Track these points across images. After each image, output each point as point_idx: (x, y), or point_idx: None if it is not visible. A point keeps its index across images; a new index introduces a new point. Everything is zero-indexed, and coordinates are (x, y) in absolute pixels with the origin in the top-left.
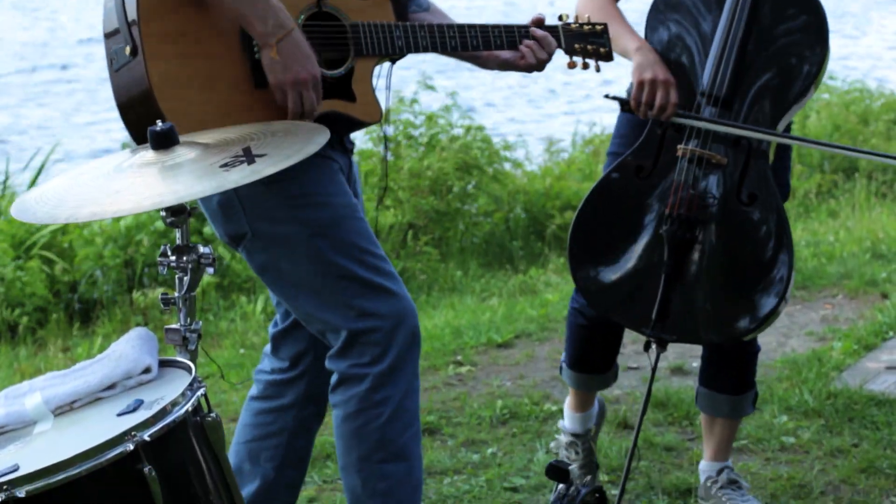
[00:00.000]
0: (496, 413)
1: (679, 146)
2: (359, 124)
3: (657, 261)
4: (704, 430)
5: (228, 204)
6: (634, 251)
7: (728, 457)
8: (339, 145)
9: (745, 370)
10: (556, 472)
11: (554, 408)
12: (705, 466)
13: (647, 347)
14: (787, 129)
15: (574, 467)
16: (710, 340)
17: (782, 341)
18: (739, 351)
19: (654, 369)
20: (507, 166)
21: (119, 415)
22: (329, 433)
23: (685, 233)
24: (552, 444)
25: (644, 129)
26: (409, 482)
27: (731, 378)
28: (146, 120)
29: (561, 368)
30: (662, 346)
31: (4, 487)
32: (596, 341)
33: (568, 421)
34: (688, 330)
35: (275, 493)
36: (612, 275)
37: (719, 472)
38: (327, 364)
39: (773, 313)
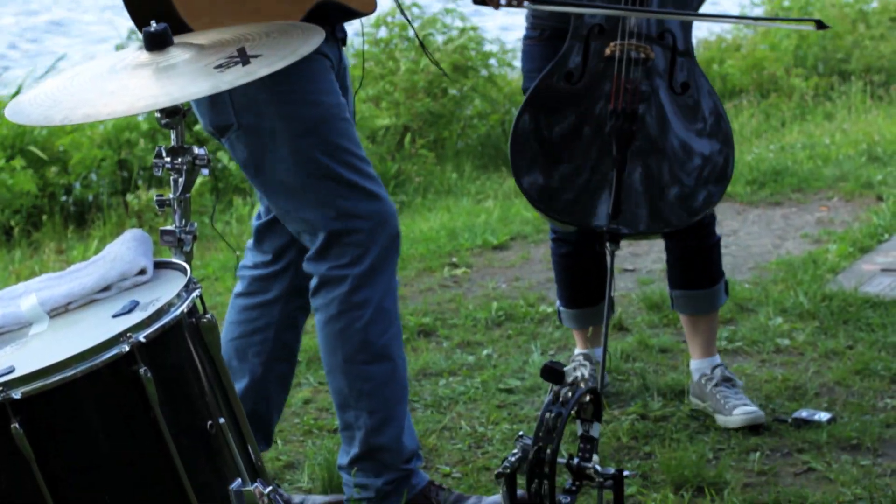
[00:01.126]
0: (491, 315)
1: (611, 43)
2: (353, 14)
3: (601, 158)
4: (688, 332)
5: (216, 95)
6: (577, 152)
7: (715, 351)
8: (331, 36)
9: (711, 261)
10: (552, 373)
11: (549, 309)
12: (697, 365)
13: (602, 246)
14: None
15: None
16: (661, 229)
17: (777, 244)
18: (699, 245)
19: (610, 269)
20: (507, 71)
21: (114, 316)
22: None
23: (630, 126)
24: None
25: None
26: (394, 382)
27: (699, 273)
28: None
29: (559, 315)
30: (616, 243)
31: (0, 389)
32: (585, 268)
33: (580, 350)
34: (639, 221)
35: (265, 389)
36: (557, 178)
37: (713, 368)
38: (305, 268)
39: (717, 195)
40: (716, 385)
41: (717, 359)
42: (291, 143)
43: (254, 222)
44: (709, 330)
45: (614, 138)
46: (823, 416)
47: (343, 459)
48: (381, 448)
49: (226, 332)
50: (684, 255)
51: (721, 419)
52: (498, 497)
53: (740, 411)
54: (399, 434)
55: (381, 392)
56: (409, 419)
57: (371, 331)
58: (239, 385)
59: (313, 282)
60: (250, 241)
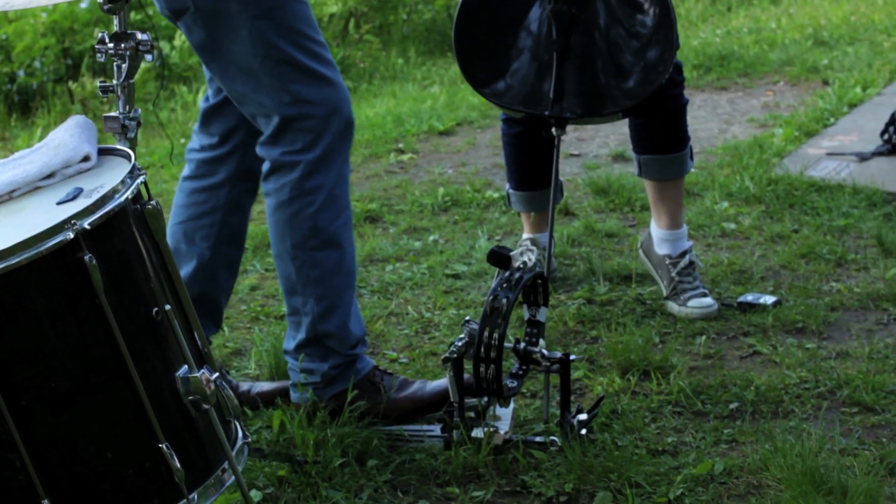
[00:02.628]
0: (438, 200)
1: None
2: None
3: (544, 43)
4: (654, 200)
5: None
6: (520, 38)
7: (682, 223)
8: None
9: (678, 124)
10: (498, 257)
11: (496, 195)
12: (662, 235)
13: (543, 132)
14: None
15: (516, 253)
16: (606, 113)
17: (724, 128)
18: (666, 108)
19: (556, 155)
20: None
21: (59, 203)
22: None
23: (570, 7)
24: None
25: None
26: (342, 268)
27: (668, 136)
28: None
29: (508, 198)
30: (562, 127)
31: None
32: (536, 149)
33: (528, 234)
34: (584, 105)
35: (212, 273)
36: (501, 66)
37: (683, 254)
38: (258, 151)
39: (663, 73)
40: (679, 272)
41: (686, 241)
42: (248, 26)
43: (201, 105)
44: (676, 197)
45: (554, 21)
46: (769, 299)
47: (289, 344)
48: (327, 334)
49: (174, 215)
50: (651, 118)
51: (673, 307)
52: (443, 382)
53: (695, 303)
54: (346, 321)
55: (329, 279)
56: (355, 306)
57: (321, 217)
58: (187, 268)
59: (265, 166)
60: (197, 124)
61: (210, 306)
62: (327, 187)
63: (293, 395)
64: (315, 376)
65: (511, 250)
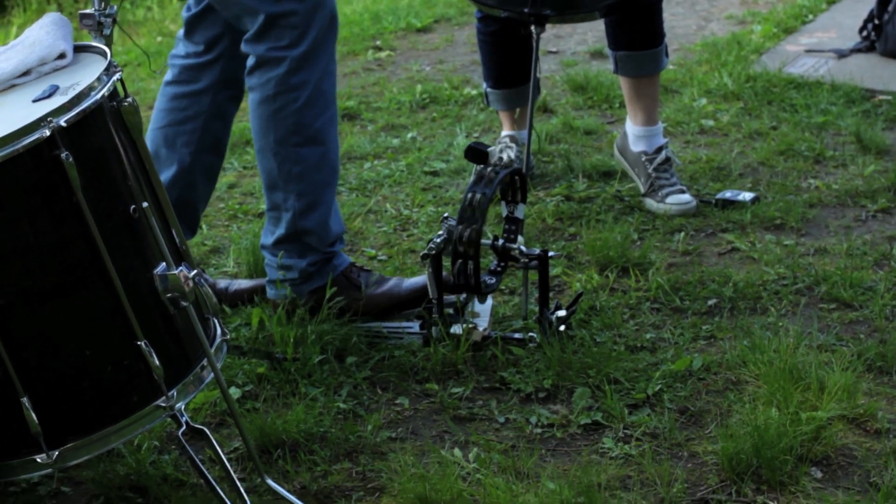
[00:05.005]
0: (416, 98)
1: None
2: None
3: None
4: (630, 96)
5: None
6: None
7: (658, 120)
8: None
9: (654, 21)
10: (476, 153)
11: (474, 92)
12: (638, 132)
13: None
14: None
15: (495, 150)
16: (585, 10)
17: (702, 25)
18: (640, 4)
19: (535, 53)
20: None
21: (34, 101)
22: (249, 119)
23: None
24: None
25: None
26: (325, 166)
27: (643, 32)
28: None
29: (486, 97)
30: (541, 25)
31: None
32: (512, 46)
33: (506, 132)
34: (563, 2)
35: (192, 179)
36: None
37: (658, 149)
38: (243, 47)
39: None
40: (656, 168)
41: (662, 137)
42: None
43: (184, 14)
44: (652, 94)
45: None
46: (747, 196)
47: (267, 239)
48: (306, 231)
49: (155, 119)
50: (626, 14)
51: (651, 204)
52: (420, 279)
53: (673, 200)
54: (326, 218)
55: (311, 175)
56: (336, 204)
57: (306, 114)
58: (166, 174)
59: (250, 61)
60: (181, 32)
61: (187, 212)
62: (312, 83)
63: (269, 292)
64: (292, 273)
65: (489, 146)
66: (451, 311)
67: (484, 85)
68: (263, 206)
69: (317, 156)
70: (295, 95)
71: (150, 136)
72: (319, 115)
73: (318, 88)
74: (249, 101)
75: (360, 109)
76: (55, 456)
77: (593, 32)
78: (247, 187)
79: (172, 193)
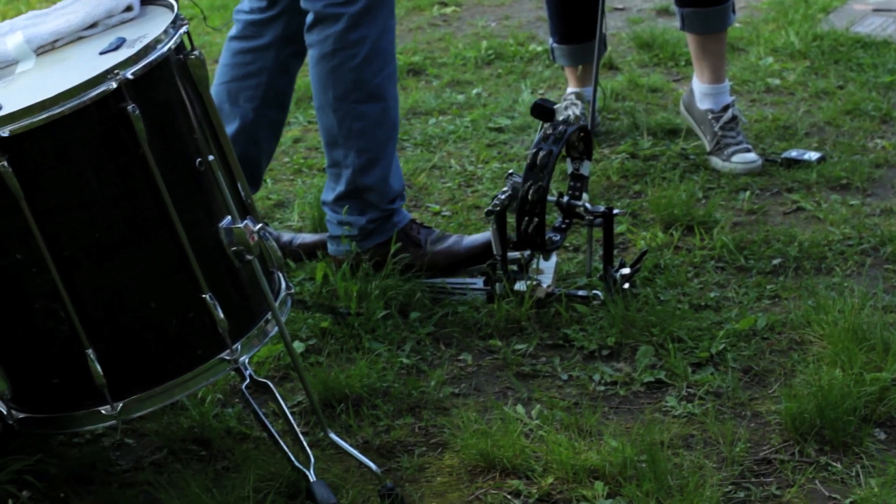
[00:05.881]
0: (481, 54)
1: None
2: None
3: None
4: (696, 54)
5: None
6: None
7: (725, 78)
8: None
9: None
10: (542, 110)
11: (539, 48)
12: (705, 89)
13: None
14: None
15: (560, 107)
16: None
17: None
18: None
19: (601, 8)
20: None
21: (101, 53)
22: None
23: None
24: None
25: None
26: (385, 122)
27: None
28: None
29: (552, 52)
30: None
31: None
32: (578, 2)
33: (572, 88)
34: None
35: (255, 134)
36: None
37: (725, 108)
38: (302, 3)
39: None
40: (722, 126)
41: (728, 96)
42: None
43: None
44: (719, 52)
45: None
46: (813, 155)
47: (328, 196)
48: (367, 188)
49: (219, 74)
50: None
51: (717, 163)
52: (479, 236)
53: (739, 159)
54: (386, 175)
55: (371, 132)
56: (396, 160)
57: (365, 70)
58: (229, 129)
59: (308, 18)
60: None
61: (250, 167)
62: (371, 39)
63: (330, 248)
64: (353, 229)
65: (555, 103)
66: (515, 267)
67: (550, 41)
68: (325, 162)
69: (377, 112)
70: (353, 52)
71: (214, 91)
72: (379, 71)
73: (376, 45)
74: (309, 58)
75: (426, 65)
76: (119, 408)
77: None
78: (312, 142)
79: (235, 149)
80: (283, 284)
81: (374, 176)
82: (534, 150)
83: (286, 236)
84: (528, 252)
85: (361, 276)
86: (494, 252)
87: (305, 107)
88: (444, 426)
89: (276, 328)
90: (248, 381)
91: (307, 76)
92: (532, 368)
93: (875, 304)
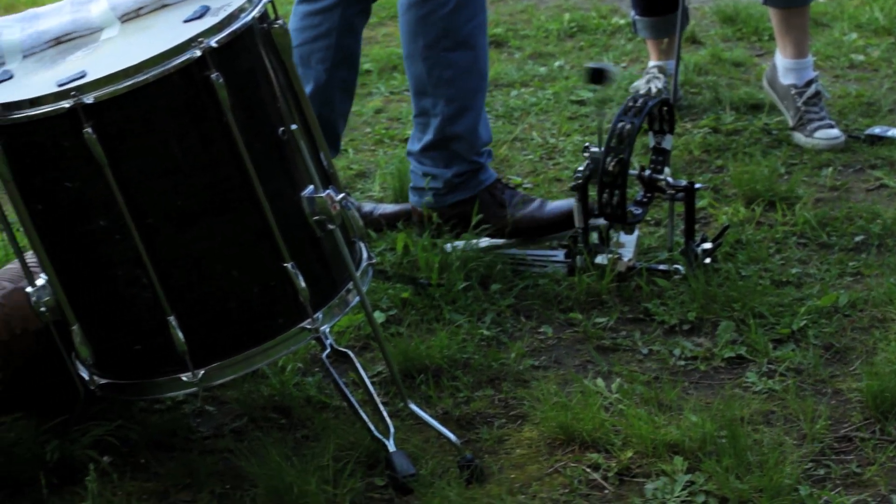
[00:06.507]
0: (563, 26)
1: None
2: None
3: None
4: (779, 29)
5: None
6: None
7: (808, 52)
8: None
9: None
10: (594, 74)
11: (622, 21)
12: (788, 64)
13: None
14: None
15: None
16: None
17: None
18: None
19: None
20: None
21: (185, 21)
22: (396, 44)
23: None
24: (638, 83)
25: None
26: (475, 71)
27: None
28: None
29: (634, 25)
30: None
31: (72, 93)
32: None
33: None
34: None
35: (329, 95)
36: None
37: (809, 83)
38: None
39: None
40: (805, 102)
41: (812, 71)
42: None
43: None
44: (802, 26)
45: None
46: None
47: (414, 146)
48: (455, 136)
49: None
50: None
51: (800, 138)
52: (562, 202)
53: (822, 135)
54: (475, 124)
55: (460, 80)
56: (484, 112)
57: (455, 18)
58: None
59: None
60: None
61: (327, 129)
62: None
63: (412, 198)
64: (437, 182)
65: (610, 66)
66: (596, 240)
67: (632, 13)
68: (409, 132)
69: (467, 61)
70: (444, 0)
71: None
72: (469, 20)
73: None
74: (399, 7)
75: (508, 37)
76: (200, 375)
77: None
78: (393, 112)
79: None
80: (365, 254)
81: (463, 124)
82: (616, 123)
83: (367, 206)
84: (609, 225)
85: (442, 245)
86: (576, 225)
87: (387, 77)
88: (523, 398)
89: (358, 298)
90: (328, 350)
91: (390, 46)
92: (612, 342)
93: None
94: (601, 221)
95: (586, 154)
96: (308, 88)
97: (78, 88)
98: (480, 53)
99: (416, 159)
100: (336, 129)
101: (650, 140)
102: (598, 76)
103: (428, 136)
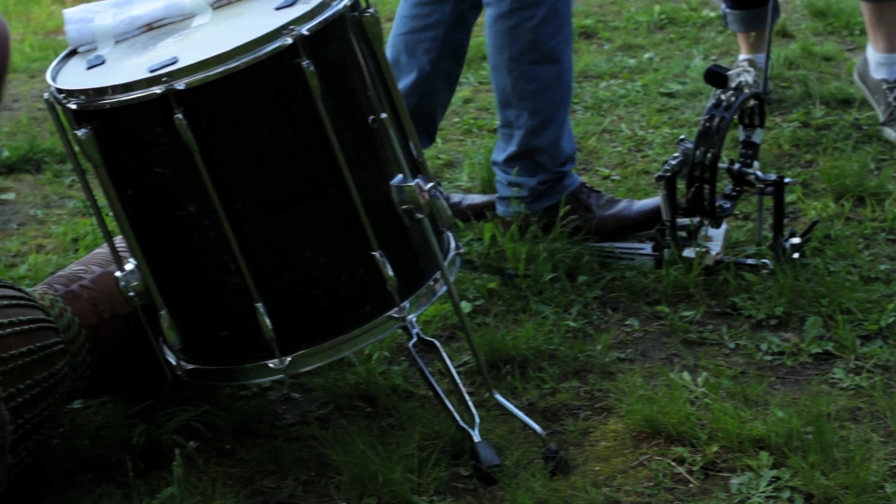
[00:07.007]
0: (654, 18)
1: None
2: None
3: None
4: (871, 23)
5: None
6: None
7: None
8: None
9: None
10: (715, 76)
11: (712, 14)
12: (879, 59)
13: None
14: None
15: (733, 73)
16: None
17: None
18: None
19: None
20: None
21: (277, 9)
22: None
23: None
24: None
25: None
26: (559, 85)
27: None
28: None
29: (725, 18)
30: None
31: (164, 79)
32: None
33: (744, 55)
34: None
35: (432, 86)
36: None
37: None
38: None
39: None
40: None
41: None
42: None
43: None
44: (894, 20)
45: None
46: None
47: (499, 156)
48: (538, 149)
49: (396, 26)
50: None
51: (890, 134)
52: (648, 201)
53: None
54: (558, 137)
55: (544, 94)
56: (569, 123)
57: (541, 31)
58: (406, 80)
59: None
60: None
61: (426, 120)
62: (549, 1)
63: (499, 209)
64: (522, 190)
65: (728, 69)
66: (684, 234)
67: (722, 6)
68: (497, 122)
69: (551, 74)
70: (531, 13)
71: (391, 43)
72: (555, 33)
73: (554, 7)
74: (486, 17)
75: (598, 28)
76: (287, 362)
77: None
78: (482, 102)
79: (411, 101)
80: (453, 244)
81: (546, 138)
82: (706, 116)
83: (455, 196)
84: (697, 219)
85: (529, 238)
86: (664, 218)
87: (476, 67)
88: (609, 391)
89: (445, 287)
90: (415, 339)
91: (479, 36)
92: (699, 336)
93: None
94: (687, 221)
95: (679, 146)
96: (411, 78)
97: (169, 74)
98: (565, 67)
99: (501, 169)
100: (434, 120)
101: (740, 134)
102: (717, 78)
103: (512, 148)
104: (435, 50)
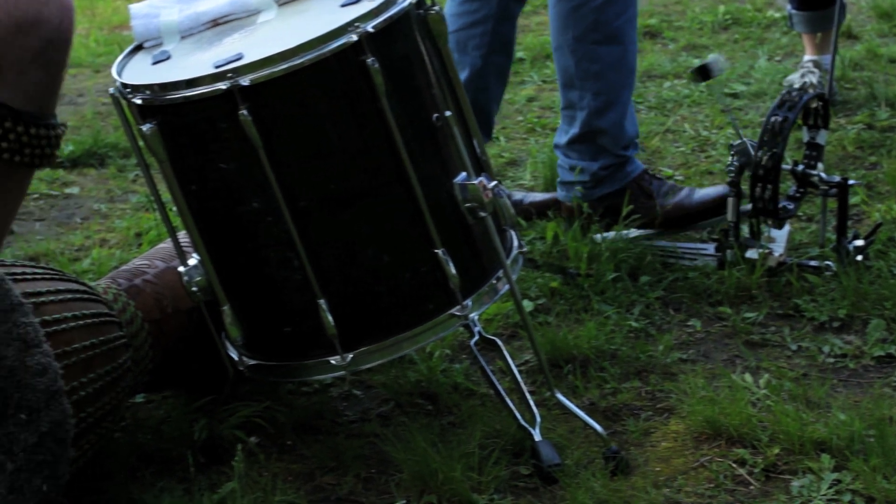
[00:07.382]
0: (718, 18)
1: None
2: None
3: None
4: None
5: None
6: None
7: None
8: None
9: None
10: (700, 70)
11: (777, 15)
12: None
13: None
14: None
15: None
16: None
17: None
18: None
19: None
20: None
21: (343, 6)
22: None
23: None
24: (792, 77)
25: None
26: (623, 66)
27: None
28: None
29: (790, 19)
30: None
31: (229, 75)
32: None
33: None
34: None
35: (484, 81)
36: None
37: None
38: None
39: None
40: None
41: None
42: None
43: None
44: None
45: None
46: None
47: (560, 139)
48: (600, 131)
49: None
50: None
51: None
52: (711, 189)
53: None
54: (621, 119)
55: (608, 75)
56: (631, 106)
57: (606, 11)
58: (460, 77)
59: None
60: None
61: (481, 114)
62: None
63: (560, 193)
64: (584, 175)
65: (713, 64)
66: (747, 235)
67: (788, 7)
68: (560, 104)
69: (615, 55)
70: None
71: None
72: (620, 13)
73: None
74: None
75: (662, 28)
76: (349, 359)
77: None
78: (545, 101)
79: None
80: (515, 242)
81: (609, 119)
82: (770, 117)
83: (518, 195)
84: (761, 220)
85: (591, 237)
86: (728, 219)
87: (540, 65)
88: (671, 391)
89: (507, 286)
90: (476, 337)
91: (543, 35)
92: (761, 337)
93: None
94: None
95: (733, 148)
96: (464, 75)
97: (234, 70)
98: (629, 48)
99: (563, 152)
100: (490, 114)
101: (804, 135)
102: (703, 73)
103: (574, 129)
104: (485, 45)
